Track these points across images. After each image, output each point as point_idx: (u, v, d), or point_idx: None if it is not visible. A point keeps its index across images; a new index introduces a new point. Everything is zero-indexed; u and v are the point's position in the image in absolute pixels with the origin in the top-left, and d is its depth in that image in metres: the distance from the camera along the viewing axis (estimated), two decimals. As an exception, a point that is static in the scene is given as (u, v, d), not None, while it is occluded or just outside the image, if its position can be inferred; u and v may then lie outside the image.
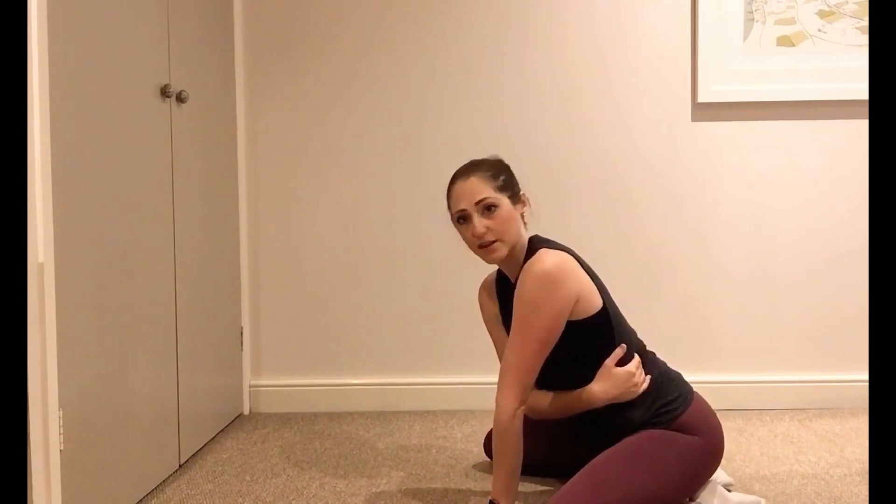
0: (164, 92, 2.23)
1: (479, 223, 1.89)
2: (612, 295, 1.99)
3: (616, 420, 1.92)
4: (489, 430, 2.34)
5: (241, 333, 2.96)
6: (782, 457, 2.41)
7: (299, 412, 2.96)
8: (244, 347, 2.97)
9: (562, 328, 1.83)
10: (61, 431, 1.71)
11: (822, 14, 2.93)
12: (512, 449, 1.83)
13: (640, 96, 2.96)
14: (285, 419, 2.88)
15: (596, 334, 1.89)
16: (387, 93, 2.98)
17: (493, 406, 1.85)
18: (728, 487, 2.07)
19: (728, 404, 2.91)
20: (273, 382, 3.01)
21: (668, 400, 1.92)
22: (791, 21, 2.93)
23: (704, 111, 2.96)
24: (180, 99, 2.32)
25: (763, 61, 2.92)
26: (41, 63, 1.65)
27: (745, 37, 2.92)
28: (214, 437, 2.65)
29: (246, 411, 2.98)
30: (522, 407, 1.82)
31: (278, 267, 3.01)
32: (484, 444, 2.37)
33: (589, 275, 1.91)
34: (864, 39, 2.91)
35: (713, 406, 2.00)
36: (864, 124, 2.92)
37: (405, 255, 3.00)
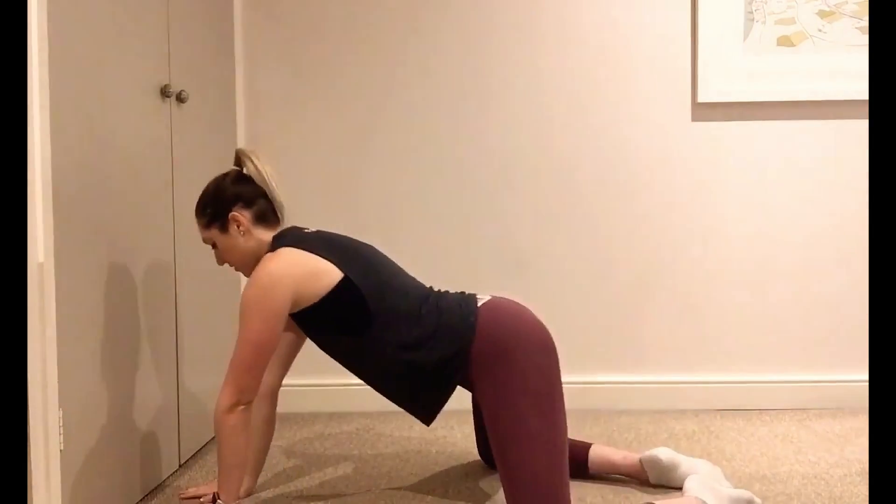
0: (164, 92, 2.23)
1: (216, 257, 2.06)
2: (385, 256, 2.04)
3: (407, 368, 1.89)
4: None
5: (241, 333, 2.95)
6: (782, 457, 2.41)
7: (299, 412, 2.96)
8: (244, 347, 2.96)
9: (277, 328, 1.88)
10: (61, 431, 1.71)
11: (822, 14, 2.93)
12: (225, 444, 1.88)
13: (640, 96, 2.96)
14: (285, 419, 2.87)
15: (344, 305, 1.89)
16: (387, 92, 2.99)
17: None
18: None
19: (728, 404, 2.91)
20: (273, 382, 3.00)
21: (454, 333, 1.87)
22: (791, 21, 2.93)
23: (704, 111, 2.96)
24: (180, 99, 2.32)
25: (763, 61, 2.92)
26: (41, 63, 1.65)
27: (745, 37, 2.92)
28: (214, 437, 2.65)
29: (246, 411, 2.97)
30: (241, 407, 1.86)
31: (278, 267, 3.00)
32: (477, 447, 2.36)
33: (331, 250, 1.92)
34: (864, 39, 2.91)
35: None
36: (864, 124, 2.92)
37: (404, 254, 2.98)
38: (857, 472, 2.26)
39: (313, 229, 2.04)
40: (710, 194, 2.97)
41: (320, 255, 1.90)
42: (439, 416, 2.84)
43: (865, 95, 2.87)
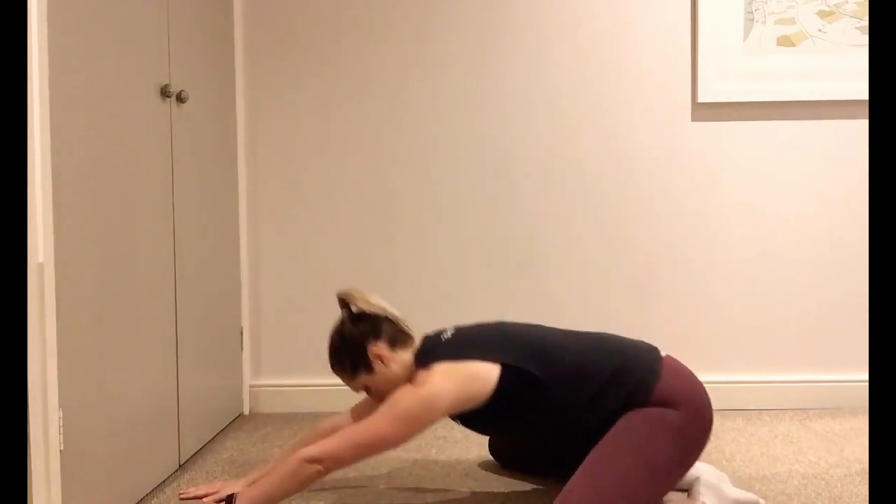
0: (164, 92, 2.23)
1: (372, 396, 2.05)
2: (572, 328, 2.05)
3: (594, 419, 1.91)
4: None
5: (241, 333, 2.96)
6: (782, 457, 2.41)
7: (299, 412, 2.96)
8: (244, 347, 2.97)
9: (406, 437, 1.88)
10: (61, 431, 1.70)
11: (822, 14, 2.93)
12: (282, 480, 1.86)
13: (640, 96, 2.96)
14: (285, 419, 2.88)
15: (516, 390, 1.90)
16: (387, 92, 2.99)
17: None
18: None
19: (728, 404, 2.91)
20: (273, 382, 3.01)
21: (636, 377, 1.91)
22: (791, 21, 2.93)
23: (704, 111, 2.96)
24: (180, 99, 2.32)
25: (763, 61, 2.92)
26: (41, 63, 1.65)
27: (745, 37, 2.92)
28: (214, 437, 2.65)
29: (246, 411, 2.98)
30: (319, 466, 1.85)
31: (278, 267, 3.01)
32: (488, 444, 2.37)
33: (477, 346, 1.94)
34: (864, 39, 2.91)
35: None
36: (864, 124, 2.92)
37: (405, 254, 3.00)
38: (857, 472, 2.26)
39: (449, 331, 2.03)
40: (709, 194, 2.97)
41: (472, 358, 1.91)
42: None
43: (865, 95, 2.88)
